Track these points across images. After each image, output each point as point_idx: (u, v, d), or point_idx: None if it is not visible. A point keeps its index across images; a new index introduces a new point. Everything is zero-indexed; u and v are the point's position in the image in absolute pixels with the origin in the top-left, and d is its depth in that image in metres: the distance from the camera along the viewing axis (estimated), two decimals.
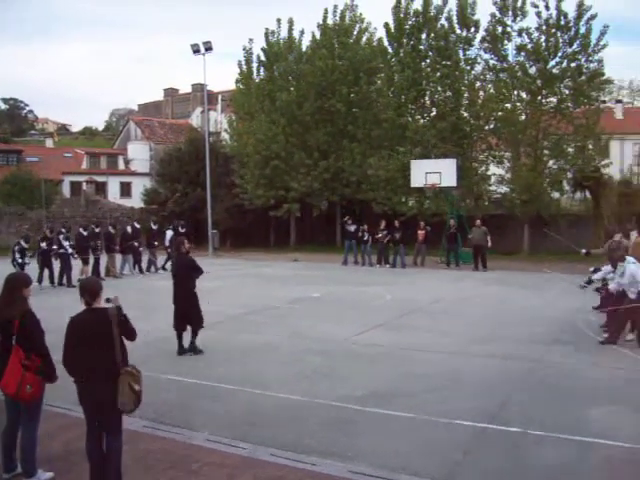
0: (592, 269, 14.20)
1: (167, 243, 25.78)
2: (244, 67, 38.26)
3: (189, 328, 11.47)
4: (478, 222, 26.09)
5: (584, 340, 12.46)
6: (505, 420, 7.87)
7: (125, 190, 55.57)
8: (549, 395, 8.93)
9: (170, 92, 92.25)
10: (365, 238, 27.59)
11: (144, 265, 25.44)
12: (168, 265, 23.50)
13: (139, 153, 58.25)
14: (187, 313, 11.39)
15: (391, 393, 9.01)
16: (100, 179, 55.30)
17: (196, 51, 35.16)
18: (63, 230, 22.68)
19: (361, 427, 7.73)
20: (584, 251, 15.62)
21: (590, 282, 13.85)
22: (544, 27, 31.00)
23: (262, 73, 37.83)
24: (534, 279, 22.01)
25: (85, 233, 23.16)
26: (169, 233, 26.48)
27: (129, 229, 25.10)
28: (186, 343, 11.45)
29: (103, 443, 5.88)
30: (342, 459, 6.75)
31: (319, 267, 27.48)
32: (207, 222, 35.18)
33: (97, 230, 24.66)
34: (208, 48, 34.96)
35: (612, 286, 12.46)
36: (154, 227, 27.09)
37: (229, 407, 8.52)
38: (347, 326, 13.85)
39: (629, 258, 12.00)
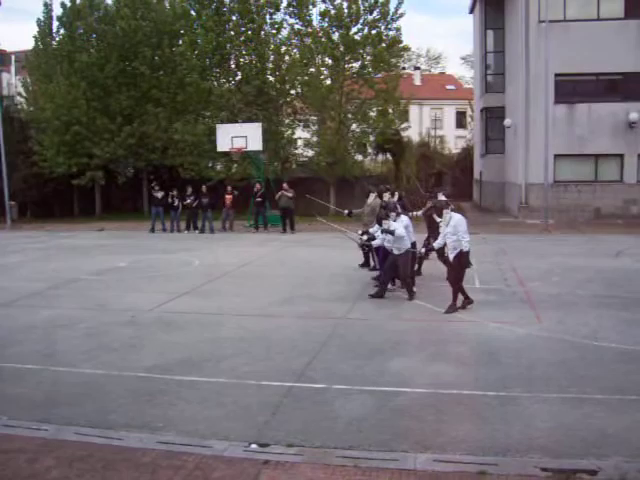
0: (360, 231, 14.54)
1: None
2: (43, 25, 35.61)
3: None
4: (285, 185, 26.44)
5: (385, 296, 13.08)
6: (311, 377, 8.12)
7: None
8: (353, 350, 9.30)
9: None
10: (175, 204, 27.10)
11: None
12: None
13: None
14: None
15: (200, 359, 8.99)
16: None
17: None
18: None
19: (171, 396, 7.65)
20: (346, 212, 16.36)
21: (368, 240, 13.83)
22: None
23: (62, 32, 35.41)
24: (338, 240, 22.67)
25: None
26: None
27: None
28: None
29: None
30: (152, 430, 6.65)
31: (126, 236, 26.67)
32: (3, 193, 32.88)
33: None
34: None
35: (376, 242, 13.19)
36: None
37: (29, 388, 8.04)
38: (155, 295, 13.59)
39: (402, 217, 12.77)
